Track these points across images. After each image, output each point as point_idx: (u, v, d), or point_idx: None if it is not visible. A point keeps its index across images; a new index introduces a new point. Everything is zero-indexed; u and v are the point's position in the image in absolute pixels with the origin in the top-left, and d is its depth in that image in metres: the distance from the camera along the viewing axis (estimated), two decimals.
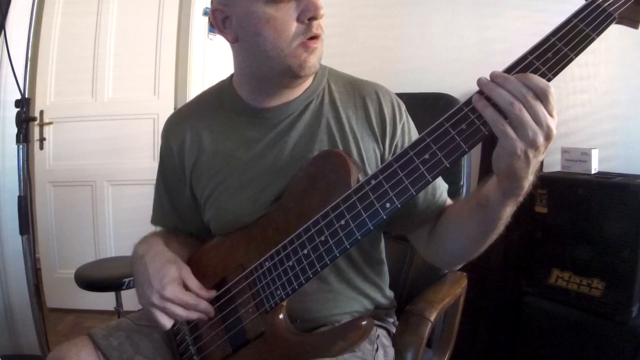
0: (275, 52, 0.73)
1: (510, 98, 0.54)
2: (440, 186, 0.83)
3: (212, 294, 0.78)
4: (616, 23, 0.57)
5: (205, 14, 2.36)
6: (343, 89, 0.85)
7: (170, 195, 0.93)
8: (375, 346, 0.83)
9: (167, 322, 0.75)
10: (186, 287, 0.77)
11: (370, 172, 0.72)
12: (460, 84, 1.66)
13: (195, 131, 0.87)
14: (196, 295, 0.77)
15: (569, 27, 0.57)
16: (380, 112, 0.82)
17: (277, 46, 0.72)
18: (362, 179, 0.67)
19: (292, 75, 0.75)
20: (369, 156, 0.81)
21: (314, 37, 0.73)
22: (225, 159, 0.84)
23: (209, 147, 0.85)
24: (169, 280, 0.75)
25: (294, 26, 0.71)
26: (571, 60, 0.56)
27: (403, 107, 0.86)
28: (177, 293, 0.74)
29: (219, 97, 0.89)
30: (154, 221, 0.97)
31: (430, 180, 0.59)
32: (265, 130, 0.82)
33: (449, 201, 0.83)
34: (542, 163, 1.87)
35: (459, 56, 2.03)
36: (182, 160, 0.88)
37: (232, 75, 0.89)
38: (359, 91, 0.84)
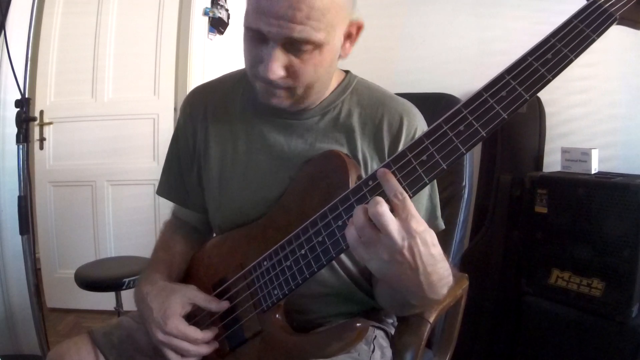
0: (250, 77, 0.75)
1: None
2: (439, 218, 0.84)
3: (225, 305, 0.78)
4: (617, 24, 0.57)
5: (205, 14, 2.36)
6: (367, 104, 0.82)
7: (181, 167, 0.92)
8: (372, 347, 0.83)
9: None
10: (195, 307, 0.77)
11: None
12: (460, 84, 1.66)
13: (211, 115, 0.87)
14: (207, 310, 0.78)
15: (569, 28, 0.56)
16: (397, 136, 0.79)
17: (249, 73, 0.74)
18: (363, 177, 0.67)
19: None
20: None
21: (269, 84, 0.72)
22: (237, 147, 0.84)
23: (222, 133, 0.85)
24: (170, 314, 0.74)
25: (250, 58, 0.72)
26: (571, 61, 0.56)
27: None
28: (180, 327, 0.74)
29: (242, 85, 0.88)
30: (160, 192, 0.96)
31: (427, 182, 0.59)
32: (278, 130, 0.82)
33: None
34: (542, 163, 1.88)
35: (459, 56, 2.03)
36: (195, 137, 0.88)
37: None
38: (382, 111, 0.81)
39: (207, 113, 0.87)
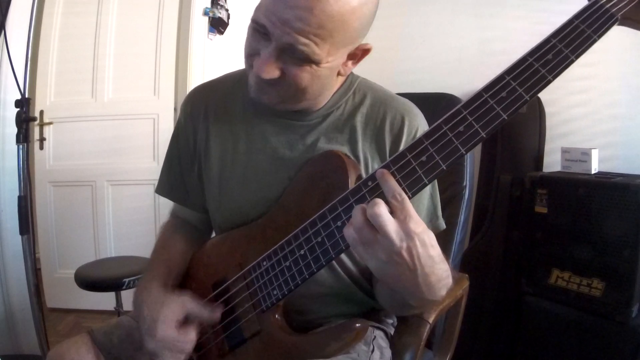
0: (245, 65, 0.74)
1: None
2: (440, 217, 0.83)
3: (217, 314, 0.78)
4: (618, 24, 0.56)
5: (205, 14, 2.36)
6: (369, 104, 0.82)
7: (181, 166, 0.92)
8: (371, 347, 0.83)
9: None
10: (189, 315, 0.77)
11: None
12: (460, 84, 1.66)
13: (211, 114, 0.87)
14: (200, 316, 0.77)
15: (570, 28, 0.56)
16: (398, 136, 0.79)
17: (245, 61, 0.74)
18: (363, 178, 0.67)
19: None
20: None
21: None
22: (237, 147, 0.84)
23: (222, 133, 0.85)
24: (161, 321, 0.74)
25: (247, 49, 0.72)
26: (572, 62, 0.56)
27: None
28: (168, 332, 0.73)
29: (242, 85, 0.86)
30: (160, 191, 0.95)
31: (427, 182, 0.59)
32: (280, 129, 0.82)
33: None
34: (542, 163, 1.88)
35: (459, 56, 2.03)
36: (195, 137, 0.88)
37: None
38: (384, 111, 0.81)
39: (207, 112, 0.87)
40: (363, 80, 0.86)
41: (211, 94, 0.89)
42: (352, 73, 0.85)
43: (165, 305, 0.76)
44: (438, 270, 0.59)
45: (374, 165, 0.79)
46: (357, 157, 0.79)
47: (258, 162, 0.82)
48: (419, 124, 0.81)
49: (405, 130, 0.79)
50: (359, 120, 0.81)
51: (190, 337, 0.75)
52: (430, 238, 0.56)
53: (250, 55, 0.71)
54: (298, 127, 0.81)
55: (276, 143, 0.81)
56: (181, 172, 0.92)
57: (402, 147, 0.79)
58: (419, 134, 0.79)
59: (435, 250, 0.57)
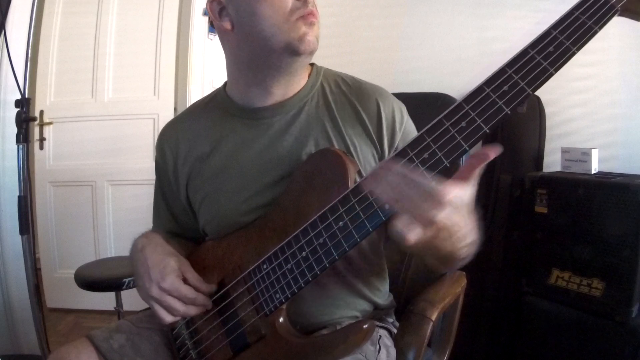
0: (273, 30, 0.73)
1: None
2: None
3: (212, 287, 0.78)
4: (618, 15, 0.56)
5: (205, 14, 2.36)
6: (339, 91, 0.84)
7: (166, 202, 0.94)
8: (378, 347, 0.82)
9: (165, 316, 0.74)
10: (185, 281, 0.76)
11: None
12: (459, 84, 1.66)
13: (189, 140, 0.87)
14: (195, 289, 0.76)
15: (570, 19, 0.56)
16: (378, 119, 0.81)
17: (274, 23, 0.73)
18: (358, 178, 0.67)
19: (293, 52, 0.75)
20: (367, 162, 0.80)
21: (311, 14, 0.74)
22: (221, 162, 0.84)
23: (205, 154, 0.85)
24: (169, 272, 0.75)
25: (289, 2, 0.72)
26: (573, 54, 0.55)
27: (404, 113, 0.84)
28: (176, 285, 0.74)
29: (212, 103, 0.89)
30: (154, 228, 0.97)
31: None
32: (261, 131, 0.82)
33: None
34: (542, 163, 1.88)
35: (459, 56, 2.02)
36: (176, 169, 0.89)
37: (225, 84, 0.89)
38: (356, 95, 0.83)
39: (188, 139, 0.88)
40: (327, 69, 0.88)
41: (185, 125, 0.90)
42: (315, 64, 0.87)
43: (170, 257, 0.78)
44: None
45: (364, 150, 0.80)
46: (345, 144, 0.79)
47: (249, 170, 0.81)
48: (392, 103, 0.83)
49: (383, 113, 0.81)
50: (335, 108, 0.82)
51: (193, 291, 0.75)
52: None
53: (294, 0, 0.73)
54: (278, 123, 0.81)
55: (262, 145, 0.81)
56: (168, 206, 0.94)
57: (384, 129, 0.80)
58: (396, 113, 0.82)
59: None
